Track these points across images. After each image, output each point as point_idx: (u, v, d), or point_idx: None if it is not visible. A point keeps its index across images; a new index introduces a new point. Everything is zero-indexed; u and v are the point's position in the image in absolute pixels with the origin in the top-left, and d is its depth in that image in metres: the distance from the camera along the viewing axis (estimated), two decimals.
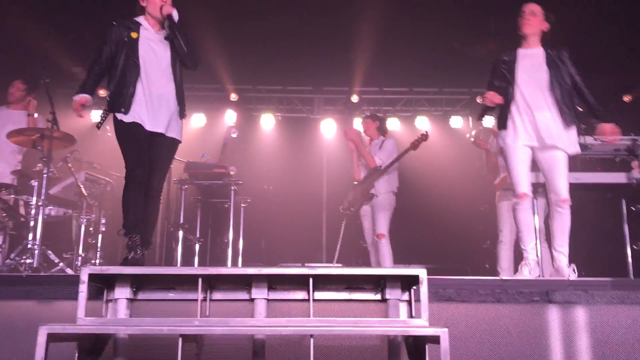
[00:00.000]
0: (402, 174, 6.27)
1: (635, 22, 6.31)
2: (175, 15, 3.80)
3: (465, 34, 7.57)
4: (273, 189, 7.62)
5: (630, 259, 4.81)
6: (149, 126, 3.71)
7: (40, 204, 4.85)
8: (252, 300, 2.88)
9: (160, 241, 6.75)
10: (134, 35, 3.77)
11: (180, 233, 5.85)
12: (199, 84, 8.26)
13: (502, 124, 4.11)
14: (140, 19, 3.87)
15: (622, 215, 4.89)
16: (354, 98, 8.36)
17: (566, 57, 4.06)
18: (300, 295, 2.91)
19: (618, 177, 4.68)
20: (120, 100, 3.69)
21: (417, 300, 2.72)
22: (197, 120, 8.46)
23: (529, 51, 4.13)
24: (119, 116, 3.69)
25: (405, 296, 2.86)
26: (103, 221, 5.87)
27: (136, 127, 3.69)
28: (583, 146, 4.20)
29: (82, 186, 5.60)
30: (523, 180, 4.01)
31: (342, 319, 2.76)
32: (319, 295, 2.88)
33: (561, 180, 3.94)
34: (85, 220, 5.62)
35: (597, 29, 6.34)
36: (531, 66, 4.07)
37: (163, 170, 3.87)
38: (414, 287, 2.79)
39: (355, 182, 6.07)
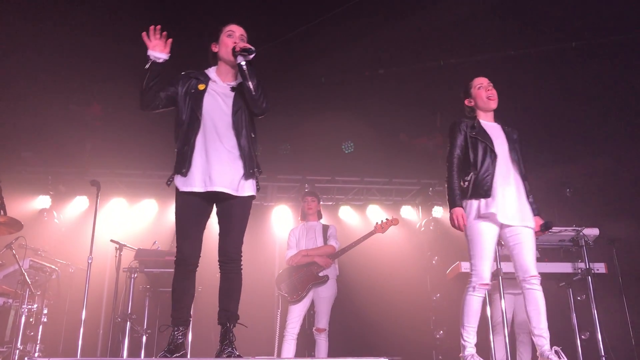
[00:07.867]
0: (354, 263, 6.18)
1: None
2: (251, 54, 3.38)
3: (413, 128, 7.94)
4: None
5: (580, 349, 4.91)
6: (208, 185, 3.31)
7: None
8: None
9: (105, 332, 6.44)
10: (200, 86, 3.45)
11: (128, 324, 5.63)
12: (150, 171, 8.18)
13: None
14: (210, 71, 3.57)
15: (570, 305, 5.05)
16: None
17: None
18: None
19: (564, 267, 4.90)
20: (181, 160, 3.37)
21: None
22: (148, 206, 8.32)
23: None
24: (177, 182, 3.38)
25: None
26: (45, 311, 5.57)
27: (188, 199, 3.35)
28: None
29: (25, 274, 5.36)
30: None
31: None
32: None
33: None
34: (26, 310, 5.33)
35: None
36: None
37: (237, 233, 3.40)
38: None
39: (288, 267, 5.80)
